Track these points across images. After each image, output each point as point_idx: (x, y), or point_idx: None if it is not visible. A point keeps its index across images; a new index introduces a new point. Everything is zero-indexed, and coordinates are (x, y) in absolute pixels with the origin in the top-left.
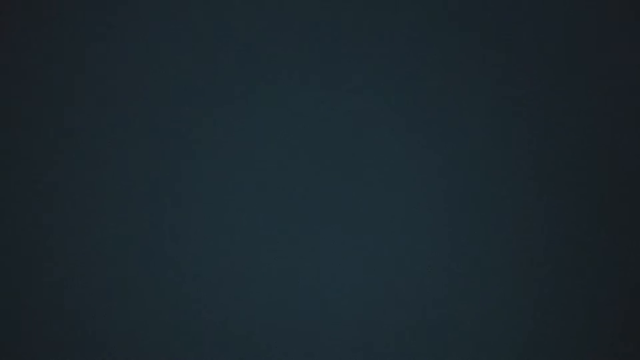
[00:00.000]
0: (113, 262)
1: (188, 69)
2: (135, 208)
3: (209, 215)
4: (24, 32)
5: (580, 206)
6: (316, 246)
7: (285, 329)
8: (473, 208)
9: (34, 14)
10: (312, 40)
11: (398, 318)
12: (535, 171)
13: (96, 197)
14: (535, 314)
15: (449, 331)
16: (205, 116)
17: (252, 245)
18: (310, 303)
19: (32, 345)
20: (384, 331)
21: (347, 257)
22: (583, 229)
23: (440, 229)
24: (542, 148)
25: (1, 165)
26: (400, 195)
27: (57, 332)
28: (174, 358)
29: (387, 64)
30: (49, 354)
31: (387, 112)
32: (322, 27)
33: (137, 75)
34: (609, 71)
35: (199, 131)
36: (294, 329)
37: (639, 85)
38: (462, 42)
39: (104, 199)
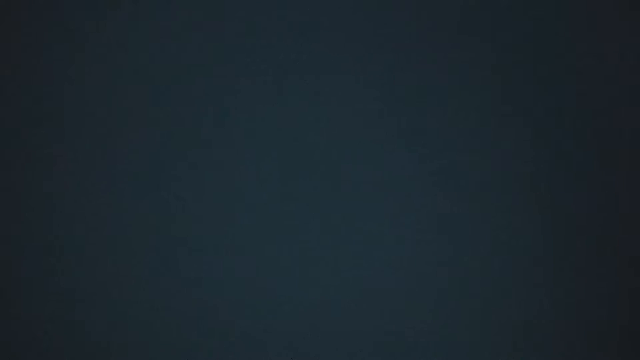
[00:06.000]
0: (114, 261)
1: (187, 70)
2: (136, 209)
3: (209, 217)
4: (29, 31)
5: (579, 205)
6: (316, 248)
7: (285, 330)
8: (473, 209)
9: (34, 13)
10: (313, 41)
11: (399, 318)
12: (535, 172)
13: (98, 195)
14: (538, 318)
15: (450, 332)
16: (206, 117)
17: (253, 247)
18: (310, 304)
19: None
20: (385, 332)
21: (346, 258)
22: (583, 228)
23: (439, 228)
24: (541, 148)
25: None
26: (401, 196)
27: (58, 333)
28: (178, 358)
29: (387, 65)
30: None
31: (386, 114)
32: (320, 29)
33: (135, 75)
34: (608, 71)
35: (199, 131)
36: (295, 329)
37: (638, 84)
38: (459, 43)
39: (105, 199)
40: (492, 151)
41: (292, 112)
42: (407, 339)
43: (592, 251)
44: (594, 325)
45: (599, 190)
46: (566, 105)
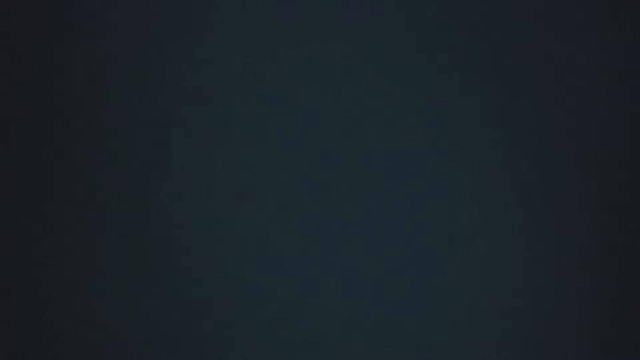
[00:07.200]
0: (113, 261)
1: (191, 66)
2: (136, 208)
3: (212, 214)
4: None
5: (581, 206)
6: (320, 246)
7: (288, 330)
8: (475, 208)
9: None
10: (319, 40)
11: (402, 318)
12: (538, 173)
13: (97, 195)
14: (540, 319)
15: (451, 331)
16: (211, 115)
17: (255, 248)
18: (313, 304)
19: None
20: (388, 331)
21: (350, 257)
22: (586, 229)
23: (442, 229)
24: (542, 149)
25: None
26: (404, 194)
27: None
28: (182, 357)
29: (393, 64)
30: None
31: (390, 112)
32: (326, 27)
33: (141, 74)
34: (608, 74)
35: (204, 130)
36: (298, 329)
37: (638, 85)
38: (463, 43)
39: (103, 198)
40: (493, 153)
41: (295, 111)
42: (407, 340)
43: (594, 251)
44: (594, 325)
45: (602, 192)
46: (567, 105)
